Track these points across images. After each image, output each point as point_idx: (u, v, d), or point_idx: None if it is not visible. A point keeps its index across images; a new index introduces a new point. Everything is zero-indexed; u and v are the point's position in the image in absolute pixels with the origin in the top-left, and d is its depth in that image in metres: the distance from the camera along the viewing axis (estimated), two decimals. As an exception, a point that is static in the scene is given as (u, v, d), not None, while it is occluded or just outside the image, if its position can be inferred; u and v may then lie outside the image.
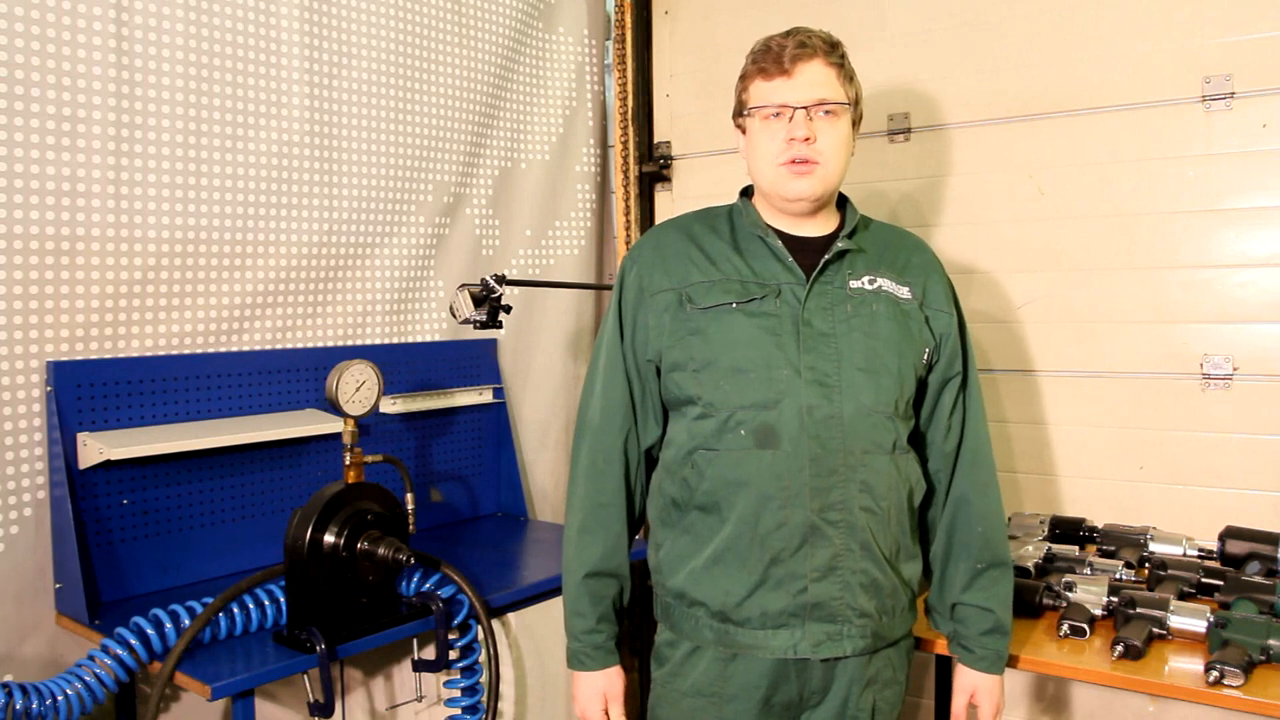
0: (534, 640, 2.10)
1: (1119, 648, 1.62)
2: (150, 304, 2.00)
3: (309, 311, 2.28)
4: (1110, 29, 2.23)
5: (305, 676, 1.68)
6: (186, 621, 1.67)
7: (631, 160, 2.90)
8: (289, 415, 2.16)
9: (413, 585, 1.94)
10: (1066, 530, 2.15)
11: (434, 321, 2.57)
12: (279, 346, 2.22)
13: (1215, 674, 1.51)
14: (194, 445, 1.93)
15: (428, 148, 2.49)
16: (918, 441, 1.64)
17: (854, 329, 1.51)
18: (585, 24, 2.92)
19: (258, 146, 2.14)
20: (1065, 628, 1.73)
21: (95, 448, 1.82)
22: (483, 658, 1.95)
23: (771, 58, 1.51)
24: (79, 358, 1.89)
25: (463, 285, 2.17)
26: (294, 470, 2.21)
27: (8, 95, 1.77)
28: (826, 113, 1.50)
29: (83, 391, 1.87)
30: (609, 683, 1.61)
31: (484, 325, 2.16)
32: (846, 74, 1.53)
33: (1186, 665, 1.60)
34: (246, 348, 2.16)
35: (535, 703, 2.11)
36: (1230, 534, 1.96)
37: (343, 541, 1.74)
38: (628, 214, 2.90)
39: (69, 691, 1.56)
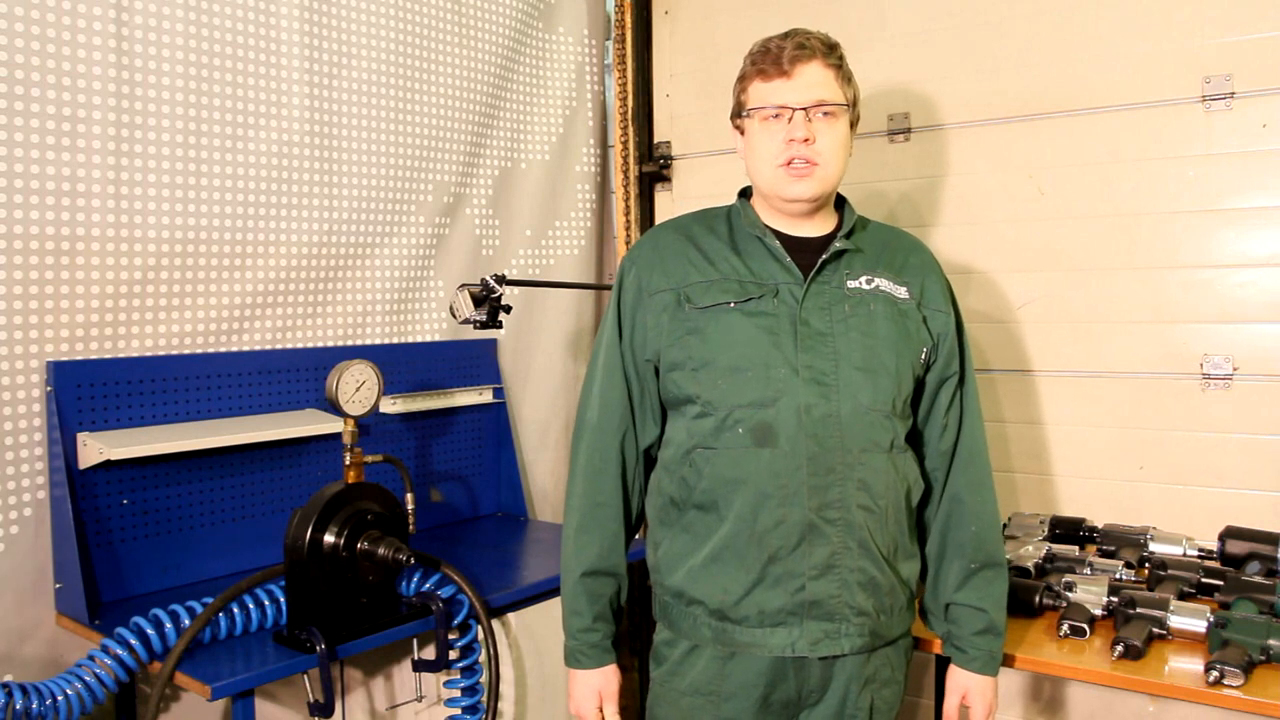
0: (534, 640, 2.09)
1: (1119, 648, 1.62)
2: (150, 304, 2.00)
3: (309, 311, 2.28)
4: (1110, 29, 2.23)
5: (305, 676, 1.68)
6: (186, 621, 1.67)
7: (631, 160, 2.90)
8: (289, 415, 2.16)
9: (413, 585, 1.94)
10: (1066, 530, 2.15)
11: (434, 321, 2.57)
12: (279, 346, 2.22)
13: (1215, 674, 1.51)
14: (194, 445, 1.93)
15: (428, 148, 2.49)
16: (915, 441, 1.64)
17: (851, 328, 1.51)
18: (585, 24, 2.92)
19: (258, 146, 2.14)
20: (1065, 628, 1.73)
21: (95, 448, 1.82)
22: (483, 658, 1.95)
23: (770, 59, 1.51)
24: (79, 358, 1.89)
25: (463, 285, 2.17)
26: (294, 470, 2.21)
27: (8, 95, 1.77)
28: (825, 114, 1.50)
29: (83, 391, 1.87)
30: (604, 681, 1.61)
31: (484, 325, 2.16)
32: (845, 75, 1.54)
33: (1186, 665, 1.60)
34: (246, 348, 2.16)
35: (535, 703, 2.11)
36: (1230, 534, 1.96)
37: (343, 541, 1.74)
38: (628, 214, 2.90)
39: (69, 691, 1.56)
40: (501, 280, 2.16)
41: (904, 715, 2.52)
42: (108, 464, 1.85)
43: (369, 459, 1.89)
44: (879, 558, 1.52)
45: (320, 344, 2.31)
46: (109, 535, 1.91)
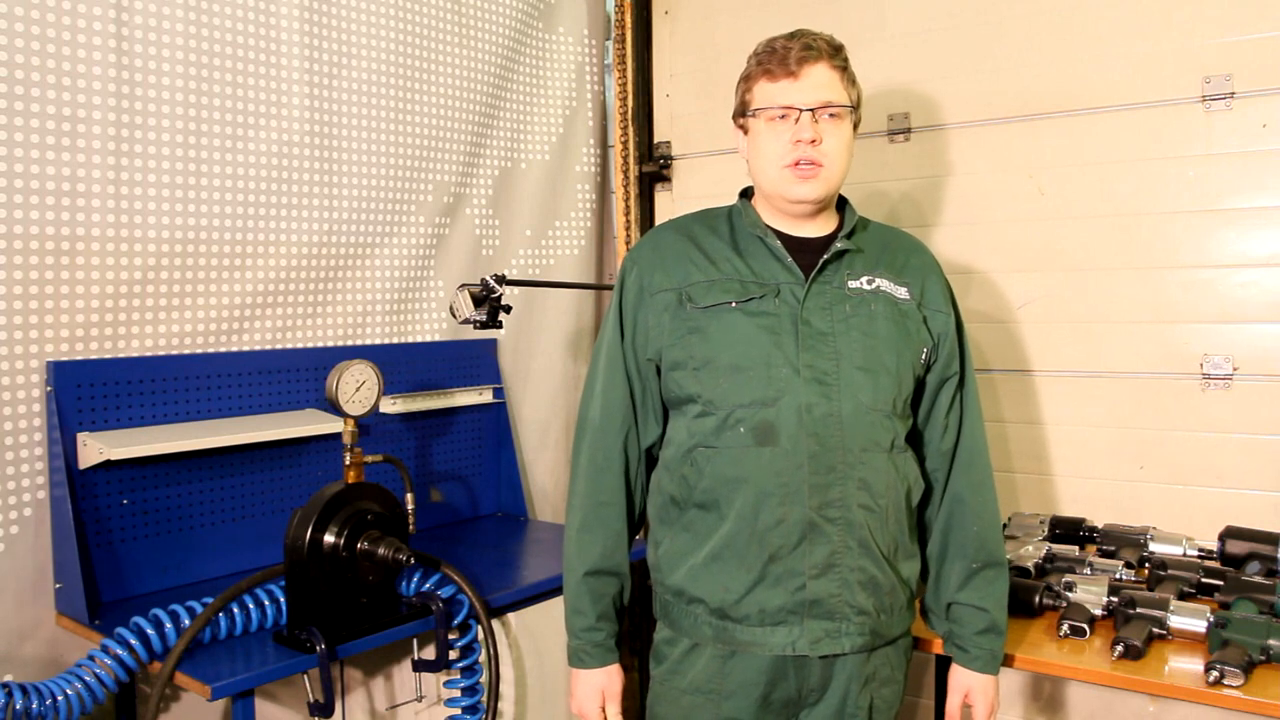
0: (534, 640, 2.09)
1: (1119, 648, 1.62)
2: (150, 304, 2.00)
3: (309, 311, 2.28)
4: (1110, 29, 2.23)
5: (305, 676, 1.68)
6: (186, 621, 1.67)
7: (631, 160, 2.90)
8: (289, 415, 2.16)
9: (413, 585, 1.94)
10: (1066, 530, 2.15)
11: (434, 321, 2.57)
12: (279, 346, 2.22)
13: (1215, 674, 1.51)
14: (194, 445, 1.93)
15: (428, 148, 2.49)
16: (915, 441, 1.65)
17: (852, 328, 1.52)
18: (585, 24, 2.92)
19: (258, 146, 2.14)
20: (1065, 628, 1.73)
21: (95, 448, 1.82)
22: (483, 658, 1.95)
23: (777, 59, 1.52)
24: (79, 358, 1.89)
25: (463, 285, 2.17)
26: (294, 470, 2.21)
27: (8, 95, 1.77)
28: (831, 115, 1.51)
29: (83, 391, 1.87)
30: (608, 681, 1.62)
31: (484, 325, 2.16)
32: (850, 77, 1.55)
33: (1186, 665, 1.60)
34: (246, 348, 2.16)
35: (535, 703, 2.11)
36: (1230, 534, 1.96)
37: (343, 541, 1.74)
38: (628, 214, 2.90)
39: (69, 691, 1.56)
40: (501, 280, 2.16)
41: (904, 715, 2.52)
42: (108, 464, 1.85)
43: (369, 459, 1.89)
44: (879, 557, 1.52)
45: (320, 344, 2.30)
46: (109, 535, 1.91)
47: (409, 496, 1.96)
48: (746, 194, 1.66)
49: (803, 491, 1.47)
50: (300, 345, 2.26)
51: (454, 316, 2.17)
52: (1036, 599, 1.82)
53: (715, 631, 1.54)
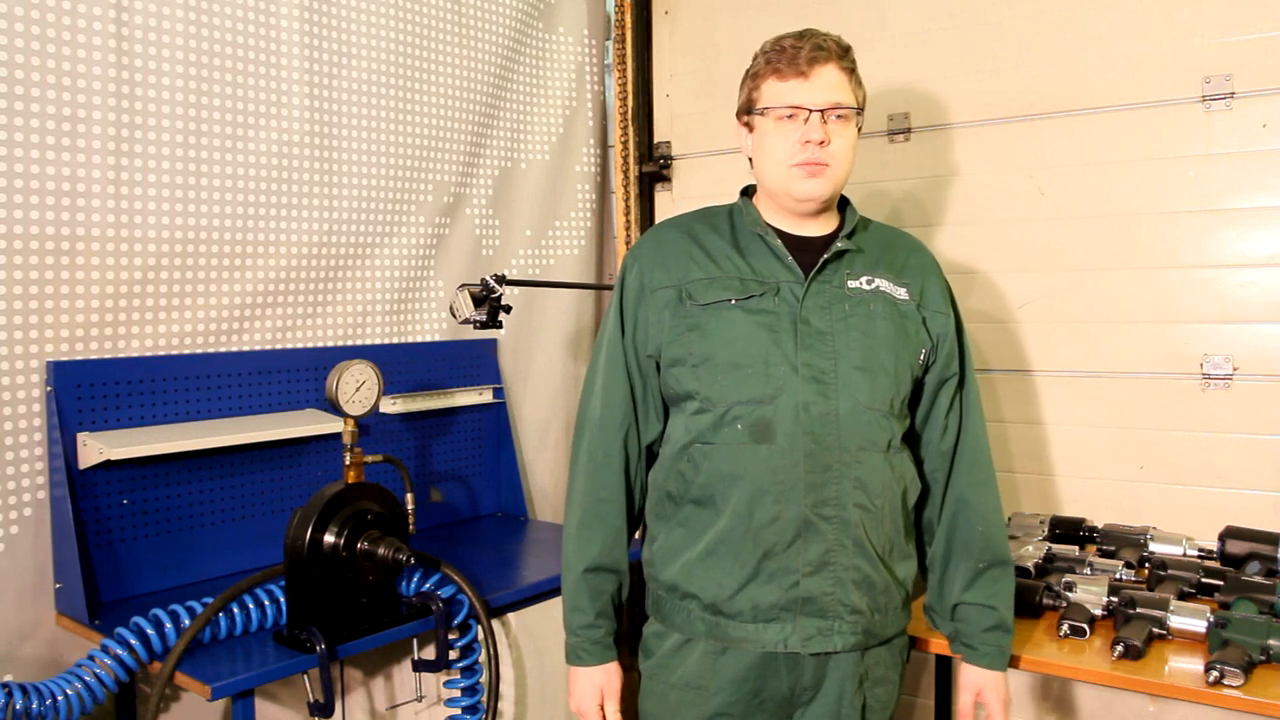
0: (534, 640, 2.09)
1: (1119, 648, 1.62)
2: (150, 304, 2.00)
3: (309, 311, 2.28)
4: (1110, 29, 2.23)
5: (305, 676, 1.68)
6: (186, 621, 1.67)
7: (631, 160, 2.90)
8: (289, 415, 2.16)
9: (413, 585, 1.94)
10: (1066, 530, 2.15)
11: (434, 321, 2.57)
12: (279, 346, 2.22)
13: (1215, 674, 1.51)
14: (194, 445, 1.93)
15: (428, 148, 2.49)
16: (914, 442, 1.65)
17: (851, 328, 1.52)
18: (585, 24, 2.92)
19: (258, 146, 2.14)
20: (1065, 628, 1.73)
21: (95, 448, 1.82)
22: (483, 658, 1.95)
23: (787, 59, 1.52)
24: (79, 358, 1.89)
25: (463, 285, 2.17)
26: (294, 470, 2.21)
27: (8, 95, 1.77)
28: (839, 117, 1.51)
29: (83, 391, 1.87)
30: (606, 679, 1.61)
31: (484, 325, 2.16)
32: (857, 79, 1.55)
33: (1186, 665, 1.60)
34: (246, 348, 2.16)
35: (535, 703, 2.11)
36: (1230, 534, 1.96)
37: (343, 541, 1.74)
38: (628, 214, 2.90)
39: (69, 691, 1.56)
40: (501, 280, 2.16)
41: (905, 716, 2.52)
42: (108, 464, 1.85)
43: (369, 459, 1.89)
44: (874, 556, 1.52)
45: (320, 344, 2.30)
46: (109, 535, 1.91)
47: (409, 496, 1.96)
48: (748, 192, 1.66)
49: (798, 489, 1.48)
50: (300, 345, 2.26)
51: (454, 316, 2.17)
52: (1037, 599, 1.82)
53: (708, 627, 1.54)
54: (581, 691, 1.61)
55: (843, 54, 1.53)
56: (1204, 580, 1.83)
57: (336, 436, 2.06)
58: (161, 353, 2.02)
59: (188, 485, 2.03)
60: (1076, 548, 2.06)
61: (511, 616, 2.05)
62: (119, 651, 1.60)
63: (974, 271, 2.41)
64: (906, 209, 2.51)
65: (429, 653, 1.94)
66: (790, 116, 1.51)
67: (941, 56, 2.44)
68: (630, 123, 2.90)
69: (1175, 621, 1.67)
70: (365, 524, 1.78)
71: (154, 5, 1.96)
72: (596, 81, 2.96)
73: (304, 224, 2.24)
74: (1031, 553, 1.96)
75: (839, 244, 1.56)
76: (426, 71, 2.48)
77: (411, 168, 2.46)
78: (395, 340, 2.47)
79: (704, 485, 1.52)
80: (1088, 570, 1.92)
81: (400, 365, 2.42)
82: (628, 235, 2.90)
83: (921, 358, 1.58)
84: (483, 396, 2.61)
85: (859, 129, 1.57)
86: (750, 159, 1.60)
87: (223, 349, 2.12)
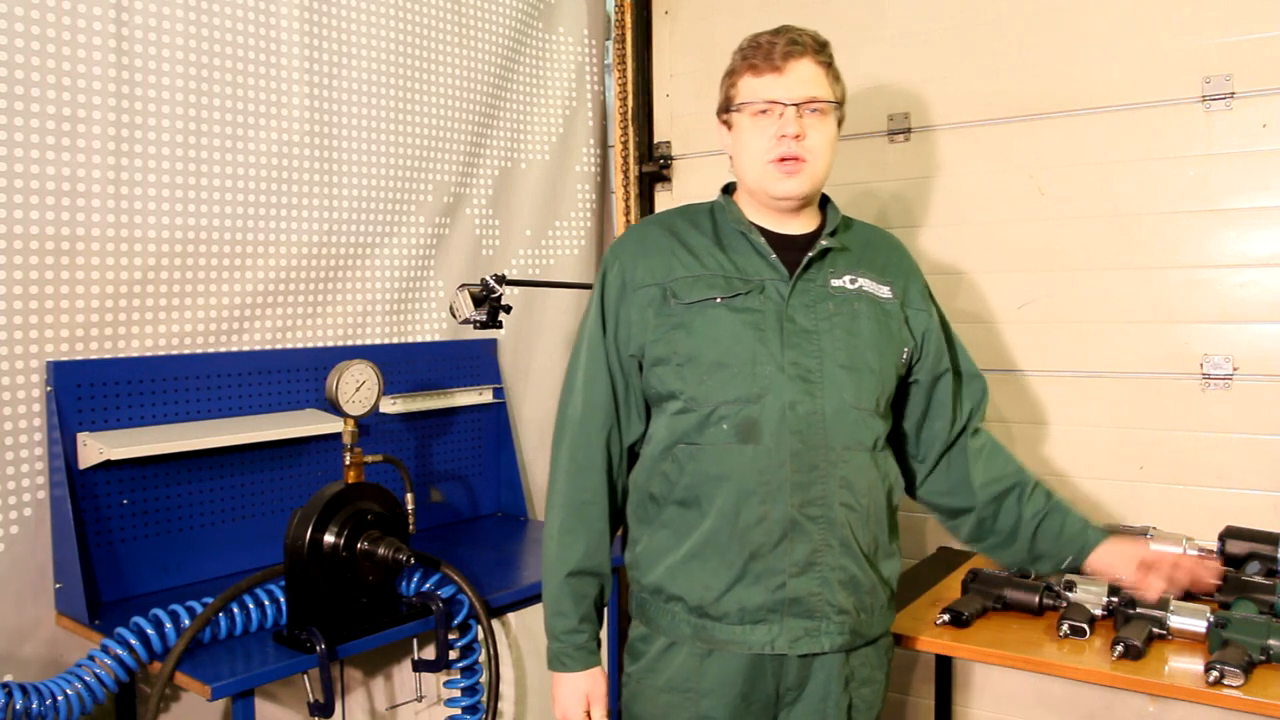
0: (534, 640, 2.10)
1: (1119, 648, 1.62)
2: (150, 304, 2.00)
3: (309, 311, 2.28)
4: (1110, 29, 2.23)
5: (305, 676, 1.68)
6: (186, 621, 1.67)
7: (631, 160, 2.90)
8: (289, 415, 2.16)
9: (413, 585, 1.94)
10: (1066, 530, 2.15)
11: (434, 321, 2.57)
12: (279, 346, 2.22)
13: (1215, 674, 1.51)
14: (194, 445, 1.93)
15: (428, 148, 2.49)
16: (906, 442, 1.67)
17: (836, 326, 1.51)
18: (585, 24, 2.92)
19: (258, 146, 2.14)
20: (1065, 628, 1.73)
21: (95, 448, 1.82)
22: (483, 658, 1.95)
23: (762, 54, 1.51)
24: (79, 358, 1.89)
25: (463, 285, 2.17)
26: (294, 470, 2.21)
27: (8, 95, 1.77)
28: (815, 111, 1.50)
29: (83, 391, 1.87)
30: (592, 684, 1.58)
31: (484, 325, 2.16)
32: (834, 74, 1.54)
33: (1186, 665, 1.60)
34: (246, 348, 2.16)
35: (535, 703, 2.11)
36: (1230, 534, 1.96)
37: (343, 541, 1.74)
38: (628, 214, 2.90)
39: (69, 691, 1.56)
40: (501, 280, 2.16)
41: (906, 716, 2.52)
42: (108, 464, 1.85)
43: (369, 459, 1.90)
44: (860, 556, 1.51)
45: (320, 344, 2.30)
46: (109, 535, 1.91)
47: (409, 496, 1.96)
48: (728, 189, 1.65)
49: (785, 489, 1.47)
50: (300, 345, 2.26)
51: (454, 316, 2.17)
52: (1036, 599, 1.82)
53: (693, 630, 1.52)
54: (566, 699, 1.58)
55: (819, 49, 1.52)
56: (1204, 580, 1.83)
57: (336, 436, 2.06)
58: (161, 353, 2.02)
59: (188, 485, 2.03)
60: (1076, 548, 2.06)
61: (511, 616, 2.05)
62: (119, 651, 1.60)
63: (974, 271, 2.41)
64: (905, 209, 2.51)
65: (429, 653, 1.94)
66: (765, 112, 1.50)
67: (941, 56, 2.44)
68: (630, 123, 2.90)
69: (1175, 621, 1.67)
70: (365, 524, 1.78)
71: (154, 5, 1.96)
72: (596, 81, 2.96)
73: (304, 224, 2.24)
74: (1031, 553, 1.96)
75: (824, 242, 1.55)
76: (426, 71, 2.48)
77: (411, 168, 2.46)
78: (395, 340, 2.47)
79: (689, 486, 1.51)
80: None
81: (400, 365, 2.42)
82: (628, 235, 2.90)
83: (904, 357, 1.58)
84: (483, 396, 2.61)
85: (839, 124, 1.56)
86: (731, 157, 1.60)
87: (223, 349, 2.12)
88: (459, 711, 1.93)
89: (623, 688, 1.64)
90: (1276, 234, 2.08)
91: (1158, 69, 2.18)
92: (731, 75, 1.57)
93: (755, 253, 1.55)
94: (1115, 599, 1.75)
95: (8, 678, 1.79)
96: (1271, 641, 1.57)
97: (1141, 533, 2.05)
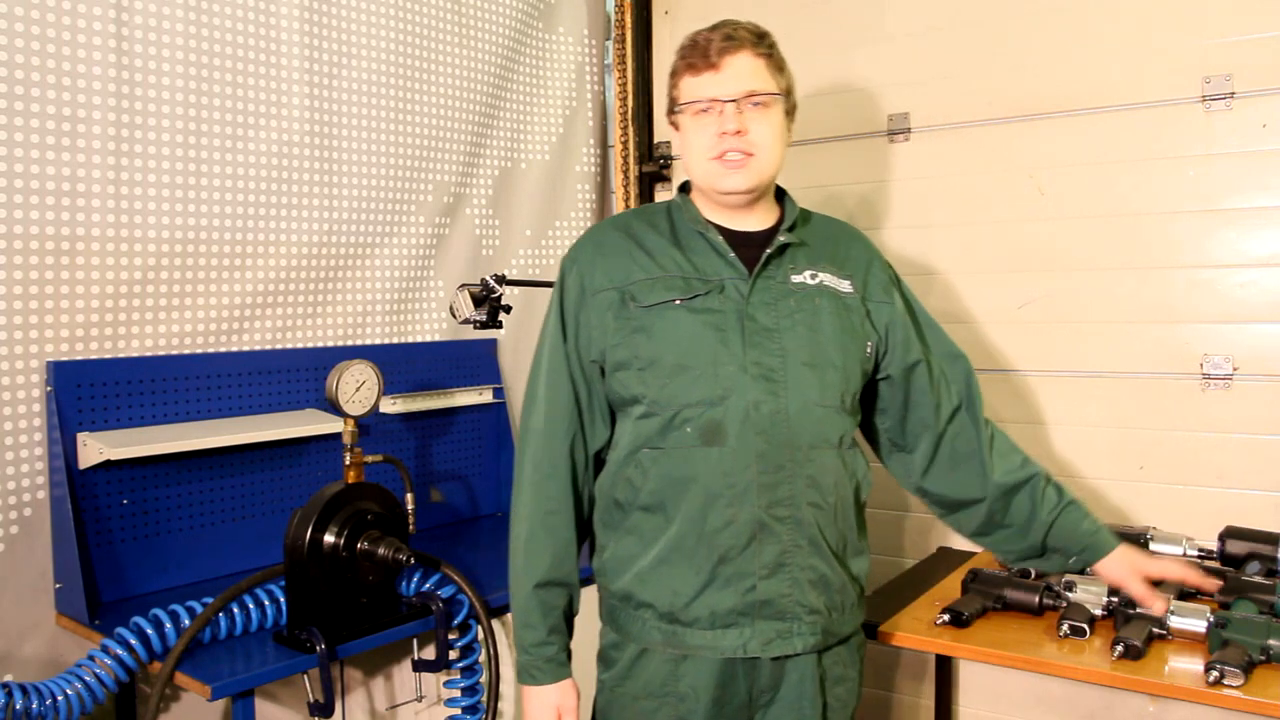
0: (534, 640, 2.09)
1: (1119, 648, 1.62)
2: (150, 304, 2.00)
3: (309, 311, 2.28)
4: (1110, 29, 2.23)
5: (305, 676, 1.68)
6: (186, 621, 1.67)
7: (631, 160, 2.90)
8: (289, 415, 2.16)
9: (413, 585, 1.94)
10: (1066, 530, 2.15)
11: (434, 321, 2.57)
12: (279, 346, 2.22)
13: (1215, 674, 1.51)
14: (194, 445, 1.93)
15: (428, 148, 2.49)
16: (888, 435, 1.67)
17: (798, 324, 1.50)
18: (585, 24, 2.92)
19: (258, 146, 2.14)
20: (1065, 628, 1.73)
21: (95, 448, 1.82)
22: (483, 658, 1.95)
23: (698, 52, 1.50)
24: (79, 358, 1.89)
25: (463, 285, 2.17)
26: (294, 470, 2.21)
27: (8, 95, 1.77)
28: (756, 104, 1.48)
29: (83, 391, 1.87)
30: (562, 697, 1.54)
31: (484, 325, 2.16)
32: (776, 64, 1.52)
33: (1186, 665, 1.60)
34: (246, 348, 2.16)
35: (535, 703, 2.10)
36: (1230, 534, 1.96)
37: (343, 541, 1.74)
38: (628, 214, 2.90)
39: (69, 691, 1.56)
40: (501, 280, 2.16)
41: (906, 716, 2.52)
42: (107, 464, 1.85)
43: (369, 459, 1.89)
44: (829, 555, 1.50)
45: (320, 344, 2.31)
46: (109, 535, 1.91)
47: (409, 496, 1.96)
48: (685, 188, 1.63)
49: (751, 491, 1.45)
50: (300, 345, 2.26)
51: (454, 316, 2.17)
52: (1036, 599, 1.82)
53: (664, 636, 1.50)
54: (537, 712, 1.53)
55: (757, 40, 1.50)
56: (1204, 580, 1.83)
57: (336, 436, 2.07)
58: (161, 353, 2.02)
59: (188, 485, 2.03)
60: (1076, 548, 2.06)
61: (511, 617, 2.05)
62: (119, 651, 1.60)
63: (973, 271, 2.41)
64: (905, 209, 2.51)
65: (429, 653, 1.94)
66: (706, 110, 1.49)
67: (941, 56, 2.44)
68: (630, 123, 2.90)
69: (1175, 621, 1.67)
70: (365, 524, 1.78)
71: (154, 5, 1.96)
72: (596, 81, 2.96)
73: (304, 224, 2.24)
74: (1031, 553, 1.96)
75: (781, 238, 1.53)
76: (426, 71, 2.48)
77: (411, 168, 2.46)
78: (395, 340, 2.47)
79: (654, 491, 1.49)
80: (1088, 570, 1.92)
81: (400, 365, 2.42)
82: (628, 235, 2.90)
83: (869, 351, 1.57)
84: (483, 396, 2.61)
85: (790, 114, 1.55)
86: (680, 157, 1.58)
87: (223, 349, 2.12)
88: (459, 711, 1.93)
89: (597, 695, 1.62)
90: (1276, 234, 2.08)
91: (1158, 69, 2.18)
92: (674, 76, 1.55)
93: (713, 251, 1.53)
94: (1115, 599, 1.75)
95: (8, 678, 1.80)
96: (1271, 641, 1.57)
97: (1141, 532, 2.06)
